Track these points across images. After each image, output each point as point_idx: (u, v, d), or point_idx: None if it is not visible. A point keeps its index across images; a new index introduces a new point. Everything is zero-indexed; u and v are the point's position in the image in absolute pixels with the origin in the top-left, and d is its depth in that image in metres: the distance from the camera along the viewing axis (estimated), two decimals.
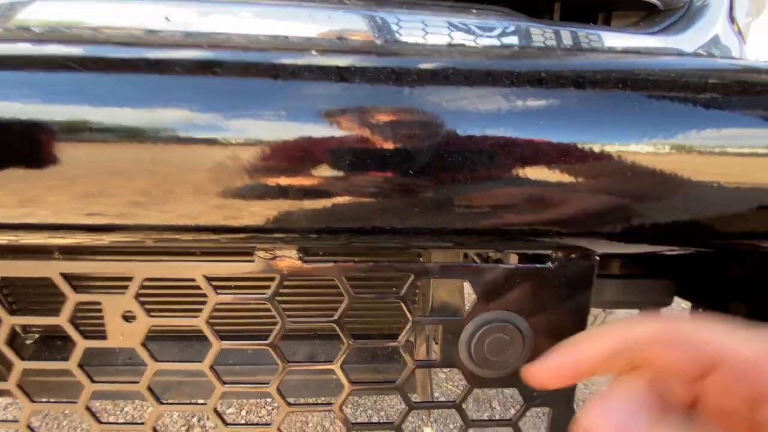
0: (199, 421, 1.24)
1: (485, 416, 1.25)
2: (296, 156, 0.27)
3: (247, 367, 0.75)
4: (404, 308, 0.35)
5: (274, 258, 0.33)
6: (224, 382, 0.35)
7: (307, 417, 1.23)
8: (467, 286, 0.35)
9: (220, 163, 0.27)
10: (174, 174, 0.27)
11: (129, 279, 0.33)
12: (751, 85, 0.31)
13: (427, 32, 0.50)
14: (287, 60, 0.27)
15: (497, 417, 1.23)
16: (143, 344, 0.34)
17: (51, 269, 0.32)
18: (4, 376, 0.35)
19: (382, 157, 0.27)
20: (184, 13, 0.43)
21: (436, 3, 0.52)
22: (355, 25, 0.47)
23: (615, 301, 0.52)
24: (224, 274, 0.33)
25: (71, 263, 0.32)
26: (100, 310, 0.33)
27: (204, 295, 0.33)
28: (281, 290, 0.34)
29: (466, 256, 0.60)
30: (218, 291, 0.33)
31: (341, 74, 0.27)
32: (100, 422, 0.35)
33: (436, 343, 0.72)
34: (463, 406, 0.37)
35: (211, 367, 0.34)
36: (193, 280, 0.33)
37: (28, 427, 0.37)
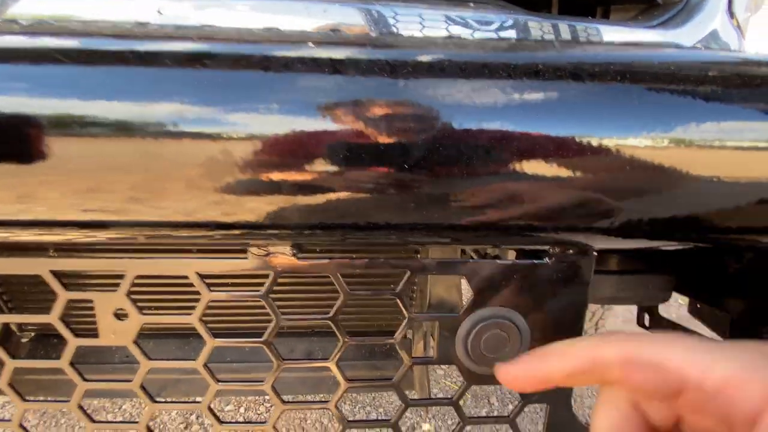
0: (197, 418, 1.24)
1: (483, 412, 1.25)
2: (289, 150, 0.26)
3: (244, 365, 0.75)
4: (400, 305, 0.34)
5: (267, 255, 0.32)
6: (218, 380, 0.35)
7: (306, 414, 1.23)
8: (465, 283, 0.35)
9: (212, 157, 0.26)
10: (166, 169, 0.26)
11: (121, 276, 0.32)
12: (750, 78, 0.30)
13: (424, 26, 0.49)
14: (280, 52, 0.27)
15: (495, 413, 1.24)
16: (135, 342, 0.33)
17: (41, 266, 0.32)
18: None
19: (377, 151, 0.26)
20: (177, 7, 0.43)
21: None
22: (351, 18, 0.46)
23: (613, 297, 0.52)
24: (217, 271, 0.33)
25: (61, 260, 0.32)
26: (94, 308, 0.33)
27: (197, 293, 0.33)
28: (276, 287, 0.33)
29: (463, 252, 0.60)
30: (212, 288, 0.33)
31: (336, 67, 0.26)
32: (93, 421, 0.35)
33: (434, 340, 0.71)
34: (461, 402, 0.37)
35: (205, 365, 0.34)
36: (186, 277, 0.33)
37: (21, 426, 0.37)
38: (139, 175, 0.26)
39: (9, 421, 0.36)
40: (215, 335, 0.34)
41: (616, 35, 0.56)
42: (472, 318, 0.34)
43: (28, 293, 0.67)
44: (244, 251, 0.32)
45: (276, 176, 0.27)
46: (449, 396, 0.36)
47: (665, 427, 0.23)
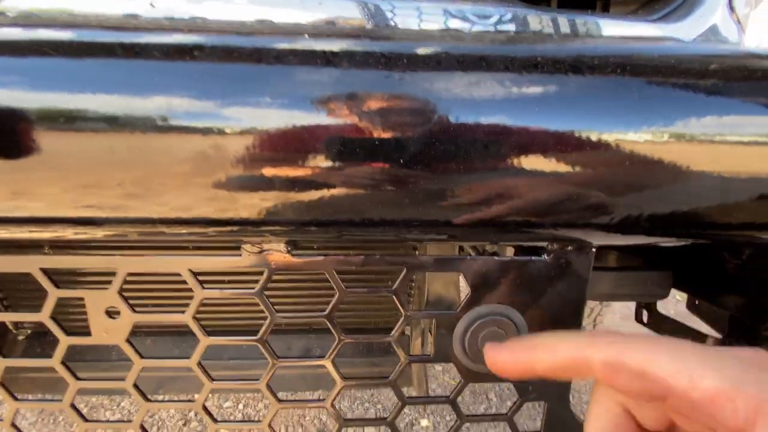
0: (196, 415, 1.24)
1: (481, 408, 1.26)
2: (283, 145, 0.26)
3: (241, 361, 0.75)
4: (397, 302, 0.34)
5: (261, 252, 0.32)
6: (213, 379, 0.34)
7: (304, 410, 1.23)
8: (463, 279, 0.35)
9: (205, 152, 0.25)
10: (158, 165, 0.26)
11: (114, 274, 0.32)
12: (751, 71, 0.30)
13: (422, 20, 0.49)
14: (274, 45, 0.26)
15: (493, 409, 1.24)
16: (128, 341, 0.33)
17: (31, 264, 0.31)
18: None
19: (373, 145, 0.26)
20: None
21: None
22: (347, 11, 0.45)
23: (611, 294, 0.52)
24: (211, 268, 0.32)
25: (51, 258, 0.31)
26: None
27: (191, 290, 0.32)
28: (272, 284, 0.33)
29: (461, 248, 0.60)
30: (205, 286, 0.32)
31: (331, 59, 0.26)
32: (86, 420, 0.35)
33: (432, 336, 0.71)
34: (458, 400, 0.37)
35: (199, 364, 0.33)
36: (178, 274, 0.32)
37: (13, 425, 0.36)
38: (131, 171, 0.26)
39: (0, 420, 0.35)
40: (211, 333, 0.33)
41: (615, 29, 0.55)
42: (470, 315, 0.34)
43: (24, 290, 0.67)
44: (239, 248, 0.32)
45: (270, 171, 0.26)
46: (447, 393, 0.36)
47: (658, 431, 0.23)
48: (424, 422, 1.21)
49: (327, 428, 1.18)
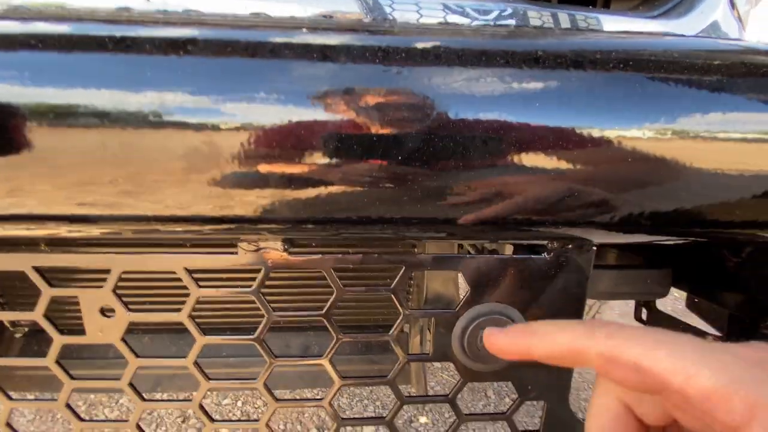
0: (194, 411, 1.24)
1: (480, 405, 1.26)
2: (279, 141, 0.25)
3: (239, 360, 0.75)
4: (395, 301, 0.33)
5: (258, 250, 0.31)
6: (209, 378, 0.34)
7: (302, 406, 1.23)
8: (462, 277, 0.34)
9: (200, 149, 0.25)
10: (152, 161, 0.25)
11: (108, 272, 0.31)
12: (755, 67, 0.29)
13: (421, 15, 0.48)
14: (270, 39, 0.25)
15: (492, 407, 1.24)
16: (123, 340, 0.32)
17: (23, 262, 0.31)
18: None
19: (370, 142, 0.25)
20: None
21: None
22: (345, 5, 0.45)
23: (611, 292, 0.51)
24: (206, 266, 0.32)
25: (45, 256, 0.31)
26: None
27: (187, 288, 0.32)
28: (269, 282, 0.32)
29: (460, 246, 0.59)
30: (201, 284, 0.32)
31: (328, 54, 0.25)
32: (81, 420, 0.34)
33: (431, 334, 0.71)
34: (457, 398, 0.36)
35: (196, 363, 0.33)
36: (174, 273, 0.32)
37: (8, 425, 0.36)
38: (124, 167, 0.25)
39: None
40: (208, 331, 0.33)
41: (616, 25, 0.55)
42: (469, 314, 0.34)
43: (21, 288, 0.66)
44: (235, 246, 0.31)
45: (266, 168, 0.26)
46: (446, 390, 0.35)
47: (658, 426, 0.23)
48: (423, 419, 1.21)
49: (326, 425, 1.18)
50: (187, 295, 0.32)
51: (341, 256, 0.32)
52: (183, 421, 1.21)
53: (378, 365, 0.76)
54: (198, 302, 0.32)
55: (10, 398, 0.34)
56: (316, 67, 0.25)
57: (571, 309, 0.35)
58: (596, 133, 0.27)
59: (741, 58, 0.29)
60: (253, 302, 0.32)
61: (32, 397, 0.89)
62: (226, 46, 0.25)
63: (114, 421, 0.35)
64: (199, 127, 0.24)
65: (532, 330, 0.25)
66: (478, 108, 0.25)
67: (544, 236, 0.32)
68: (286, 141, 0.25)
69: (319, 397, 0.35)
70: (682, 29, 0.59)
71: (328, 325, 0.34)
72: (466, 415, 0.37)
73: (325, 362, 0.34)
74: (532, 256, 0.33)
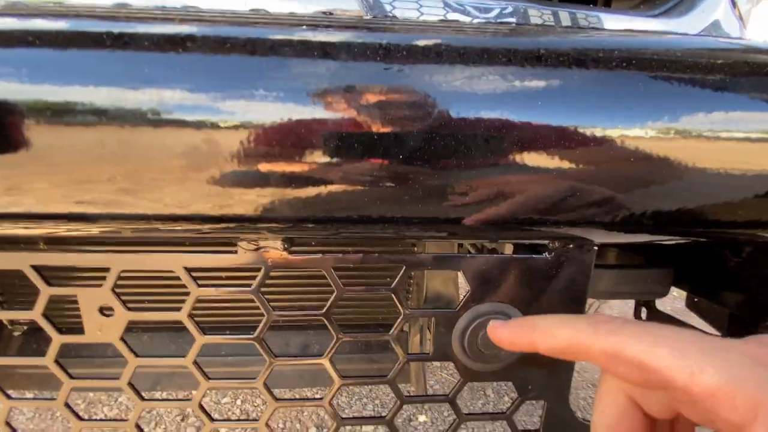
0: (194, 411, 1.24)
1: (479, 404, 1.26)
2: (279, 139, 0.25)
3: (239, 358, 0.74)
4: (395, 301, 0.33)
5: (257, 249, 0.31)
6: (209, 377, 0.34)
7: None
8: (462, 277, 0.34)
9: (199, 147, 0.25)
10: (151, 160, 0.25)
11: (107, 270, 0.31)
12: (758, 66, 0.29)
13: (422, 12, 0.48)
14: (269, 36, 0.25)
15: (491, 405, 1.24)
16: (122, 339, 0.32)
17: (21, 261, 0.30)
18: None
19: (371, 140, 0.25)
20: None
21: None
22: (346, 3, 0.45)
23: (611, 292, 0.51)
24: (206, 265, 0.31)
25: (43, 255, 0.31)
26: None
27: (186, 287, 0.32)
28: (270, 281, 0.32)
29: (461, 245, 0.59)
30: (201, 283, 0.32)
31: (328, 51, 0.25)
32: (80, 419, 0.34)
33: (431, 334, 0.71)
34: (457, 398, 0.36)
35: (195, 363, 0.33)
36: (173, 272, 0.31)
37: (7, 424, 0.36)
38: (122, 165, 0.25)
39: None
40: (207, 330, 0.33)
41: (617, 23, 0.55)
42: (469, 314, 0.34)
43: (20, 286, 0.66)
44: (235, 245, 0.31)
45: (266, 167, 0.25)
46: (445, 389, 0.35)
47: (665, 419, 0.23)
48: (422, 418, 1.21)
49: (325, 424, 1.18)
50: (186, 294, 0.32)
51: (341, 255, 0.32)
52: (182, 420, 1.21)
53: (378, 364, 0.76)
54: (198, 301, 0.32)
55: (9, 397, 0.34)
56: (316, 64, 0.24)
57: (571, 309, 0.34)
58: (598, 132, 0.26)
59: (743, 57, 0.29)
60: (252, 301, 0.32)
61: (31, 395, 0.89)
62: (225, 43, 0.25)
63: (113, 420, 0.35)
64: (198, 125, 0.24)
65: (535, 324, 0.25)
66: (479, 106, 0.25)
67: (545, 236, 0.32)
68: (286, 139, 0.25)
69: (318, 397, 0.35)
70: (683, 28, 0.58)
71: (328, 325, 0.33)
72: (465, 414, 0.37)
73: (325, 362, 0.34)
74: (533, 255, 0.33)
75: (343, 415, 0.35)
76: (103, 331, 0.32)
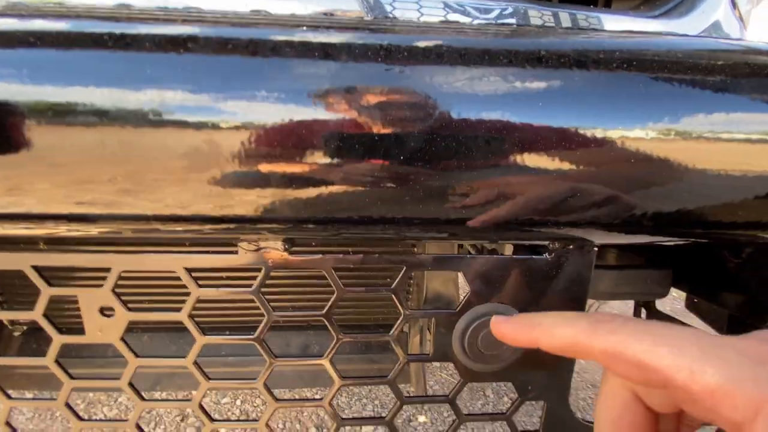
0: (194, 411, 1.24)
1: (479, 405, 1.26)
2: (280, 140, 0.25)
3: (239, 359, 0.74)
4: (396, 301, 0.33)
5: (258, 249, 0.31)
6: (209, 378, 0.34)
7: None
8: (462, 277, 0.34)
9: (200, 148, 0.25)
10: (152, 160, 0.25)
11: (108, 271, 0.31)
12: (758, 67, 0.29)
13: (422, 13, 0.48)
14: (270, 37, 0.25)
15: (490, 406, 1.24)
16: (123, 339, 0.32)
17: (22, 261, 0.30)
18: None
19: (372, 141, 0.25)
20: None
21: None
22: (346, 4, 0.45)
23: (611, 293, 0.51)
24: (206, 266, 0.31)
25: (43, 255, 0.31)
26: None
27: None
28: (270, 281, 0.32)
29: (461, 246, 0.59)
30: (202, 283, 0.32)
31: (329, 52, 0.25)
32: (80, 419, 0.34)
33: (431, 334, 0.71)
34: (457, 399, 0.36)
35: (195, 363, 0.33)
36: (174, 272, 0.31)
37: (7, 424, 0.36)
38: (123, 166, 0.25)
39: None
40: (207, 330, 0.33)
41: (617, 24, 0.55)
42: (470, 314, 0.34)
43: (21, 286, 0.66)
44: (235, 246, 0.31)
45: (266, 167, 0.25)
46: (445, 389, 0.35)
47: (668, 413, 0.23)
48: (422, 418, 1.21)
49: (325, 424, 1.18)
50: (187, 294, 0.32)
51: (342, 256, 0.32)
52: (182, 420, 1.21)
53: (378, 365, 0.76)
54: (198, 301, 0.32)
55: (9, 397, 0.34)
56: (317, 65, 0.24)
57: (571, 309, 0.35)
58: (599, 133, 0.26)
59: (744, 58, 0.29)
60: (253, 302, 0.32)
61: (31, 395, 0.89)
62: (226, 44, 0.25)
63: (113, 420, 0.35)
64: (199, 126, 0.24)
65: (537, 321, 0.25)
66: (480, 107, 0.25)
67: (545, 236, 0.32)
68: (287, 140, 0.25)
69: (318, 397, 0.35)
70: (683, 29, 0.59)
71: (328, 325, 0.33)
72: (465, 415, 0.37)
73: (325, 362, 0.34)
74: (533, 256, 0.33)
75: (343, 416, 0.35)
76: (103, 332, 0.32)
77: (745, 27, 0.69)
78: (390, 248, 0.60)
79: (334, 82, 0.24)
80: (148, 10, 0.30)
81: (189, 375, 0.33)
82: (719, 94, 0.28)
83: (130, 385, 0.34)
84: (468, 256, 0.33)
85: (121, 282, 0.32)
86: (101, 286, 0.31)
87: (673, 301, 1.60)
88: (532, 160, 0.26)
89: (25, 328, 0.76)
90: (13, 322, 0.74)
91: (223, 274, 0.60)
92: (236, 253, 0.31)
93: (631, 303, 0.68)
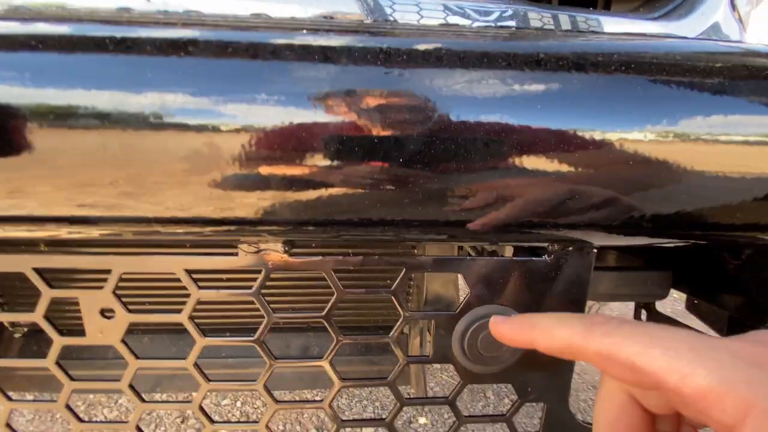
0: (194, 413, 1.24)
1: (479, 406, 1.26)
2: (280, 143, 0.25)
3: (240, 360, 0.74)
4: (395, 303, 0.33)
5: (258, 251, 0.31)
6: (209, 379, 0.34)
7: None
8: (462, 279, 0.34)
9: (201, 151, 0.25)
10: (153, 163, 0.25)
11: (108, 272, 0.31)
12: (757, 69, 0.29)
13: (422, 16, 0.48)
14: (270, 40, 0.25)
15: (491, 408, 1.24)
16: (123, 341, 0.32)
17: (23, 263, 0.31)
18: None
19: (371, 144, 0.25)
20: None
21: None
22: (346, 7, 0.45)
23: (611, 294, 0.51)
24: (207, 268, 0.32)
25: (44, 257, 0.31)
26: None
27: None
28: (270, 283, 0.32)
29: (461, 248, 0.59)
30: (202, 285, 0.32)
31: (329, 55, 0.25)
32: (81, 421, 0.34)
33: (431, 336, 0.71)
34: (457, 400, 0.36)
35: (195, 365, 0.33)
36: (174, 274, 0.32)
37: (8, 425, 0.36)
38: (124, 169, 0.25)
39: None
40: (207, 331, 0.33)
41: (617, 27, 0.55)
42: (469, 316, 0.34)
43: (21, 288, 0.66)
44: (235, 248, 0.31)
45: (267, 170, 0.26)
46: (445, 391, 0.35)
47: (664, 415, 0.23)
48: (422, 420, 1.21)
49: (325, 426, 1.18)
50: (187, 296, 0.32)
51: (341, 257, 0.32)
52: (182, 422, 1.21)
53: (378, 366, 0.76)
54: (198, 303, 0.32)
55: (9, 399, 0.34)
56: (317, 68, 0.25)
57: (571, 311, 0.35)
58: (598, 135, 0.27)
59: (742, 60, 0.29)
60: (253, 303, 0.32)
61: (32, 397, 0.89)
62: (226, 47, 0.25)
63: (113, 422, 0.35)
64: (200, 129, 0.24)
65: (534, 322, 0.26)
66: (479, 110, 0.25)
67: (544, 238, 0.32)
68: (287, 143, 0.25)
69: (318, 399, 0.35)
70: (682, 31, 0.59)
71: (328, 327, 0.34)
72: (465, 416, 0.37)
73: (325, 364, 0.34)
74: (533, 258, 0.33)
75: (343, 417, 0.36)
76: (104, 333, 0.32)
77: (744, 28, 0.70)
78: (390, 250, 0.60)
79: (334, 85, 0.24)
80: (149, 14, 0.30)
81: (189, 376, 0.33)
82: (717, 96, 0.28)
83: (131, 386, 0.34)
84: (467, 257, 0.33)
85: (121, 284, 0.32)
86: (102, 287, 0.31)
87: (674, 303, 1.60)
88: (531, 162, 0.26)
89: (25, 329, 0.76)
90: (13, 324, 0.74)
91: (224, 276, 0.60)
92: (236, 255, 0.31)
93: (631, 304, 0.68)
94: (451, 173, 0.26)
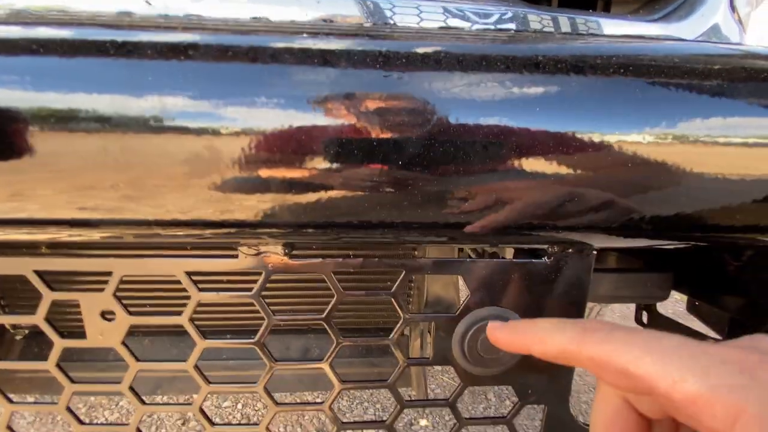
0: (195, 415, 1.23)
1: (480, 408, 1.25)
2: (280, 146, 0.25)
3: (240, 362, 0.74)
4: (395, 305, 0.33)
5: (258, 254, 0.31)
6: (210, 381, 0.34)
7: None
8: (462, 281, 0.34)
9: (201, 154, 0.25)
10: (154, 166, 0.25)
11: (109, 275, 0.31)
12: (756, 72, 0.29)
13: (422, 19, 0.48)
14: (270, 44, 0.26)
15: (492, 410, 1.24)
16: (124, 343, 0.32)
17: (24, 266, 0.31)
18: None
19: (371, 146, 0.25)
20: None
21: None
22: (346, 10, 0.45)
23: (612, 296, 0.51)
24: (207, 270, 0.32)
25: (45, 260, 0.31)
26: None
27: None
28: (270, 285, 0.32)
29: (461, 250, 0.59)
30: (202, 287, 0.32)
31: (329, 58, 0.25)
32: (81, 423, 0.34)
33: (431, 338, 0.71)
34: (457, 402, 0.36)
35: (196, 367, 0.33)
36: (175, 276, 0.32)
37: (8, 428, 0.36)
38: (125, 172, 0.25)
39: None
40: (208, 333, 0.33)
41: (616, 28, 0.55)
42: (469, 318, 0.34)
43: (22, 291, 0.66)
44: (236, 250, 0.31)
45: (267, 173, 0.26)
46: (446, 393, 0.35)
47: (663, 419, 0.24)
48: (423, 422, 1.21)
49: (325, 428, 1.18)
50: (187, 298, 0.32)
51: (342, 260, 0.32)
52: (183, 424, 1.21)
53: (378, 368, 0.75)
54: (199, 305, 0.32)
55: (10, 401, 0.34)
56: (317, 72, 0.25)
57: (571, 313, 0.35)
58: (597, 137, 0.27)
59: (741, 62, 0.29)
60: (253, 305, 0.32)
61: (32, 399, 0.89)
62: (227, 51, 0.25)
63: (114, 424, 0.35)
64: (200, 132, 0.24)
65: (530, 328, 0.26)
66: (478, 113, 0.25)
67: (544, 240, 0.32)
68: (287, 146, 0.25)
69: (319, 401, 0.35)
70: (682, 33, 0.59)
71: (328, 329, 0.34)
72: (466, 419, 0.37)
73: (325, 366, 0.34)
74: (533, 260, 0.33)
75: (344, 420, 0.35)
76: (104, 336, 0.32)
77: (744, 30, 0.70)
78: (390, 252, 0.60)
79: (334, 88, 0.25)
80: (150, 18, 0.30)
81: (190, 379, 0.33)
82: (716, 98, 0.28)
83: (131, 389, 0.34)
84: (467, 260, 0.33)
85: (122, 286, 0.32)
86: (102, 290, 0.31)
87: (675, 304, 1.60)
88: (530, 164, 0.26)
89: (26, 332, 0.76)
90: (14, 326, 0.74)
91: (224, 278, 0.60)
92: (237, 257, 0.32)
93: (632, 306, 0.68)
94: (450, 176, 0.26)
